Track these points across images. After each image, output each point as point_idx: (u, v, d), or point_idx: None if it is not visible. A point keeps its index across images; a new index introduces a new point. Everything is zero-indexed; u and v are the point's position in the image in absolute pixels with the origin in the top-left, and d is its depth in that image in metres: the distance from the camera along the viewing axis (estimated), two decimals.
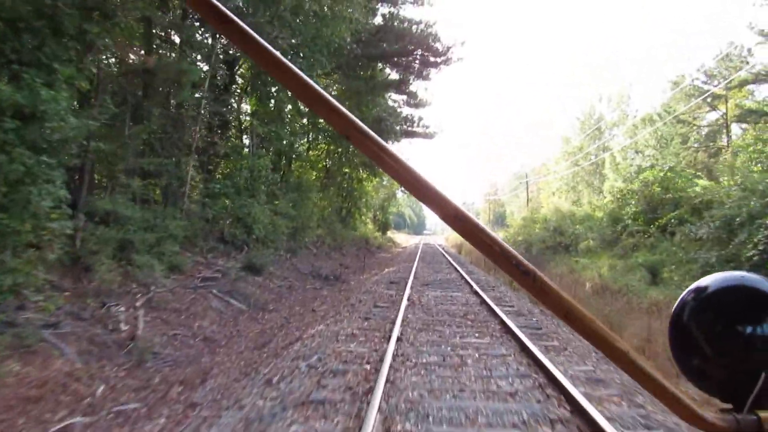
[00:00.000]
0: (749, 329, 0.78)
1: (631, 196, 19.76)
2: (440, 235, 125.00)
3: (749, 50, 37.50)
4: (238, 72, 20.72)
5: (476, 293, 14.10)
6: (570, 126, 64.09)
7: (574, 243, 22.78)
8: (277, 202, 20.65)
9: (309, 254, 23.75)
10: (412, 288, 14.84)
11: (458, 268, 20.76)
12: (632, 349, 0.72)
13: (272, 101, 21.02)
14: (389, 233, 66.92)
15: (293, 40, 18.23)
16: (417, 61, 28.07)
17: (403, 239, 73.14)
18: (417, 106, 38.71)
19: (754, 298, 0.80)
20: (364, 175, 42.85)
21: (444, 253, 36.91)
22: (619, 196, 22.14)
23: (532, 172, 70.20)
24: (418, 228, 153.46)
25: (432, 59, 27.88)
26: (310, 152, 32.96)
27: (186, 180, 14.42)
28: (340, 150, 35.18)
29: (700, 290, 0.84)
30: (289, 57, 19.15)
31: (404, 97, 38.49)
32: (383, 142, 0.76)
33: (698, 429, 0.71)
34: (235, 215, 17.23)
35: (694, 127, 38.93)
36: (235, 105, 21.14)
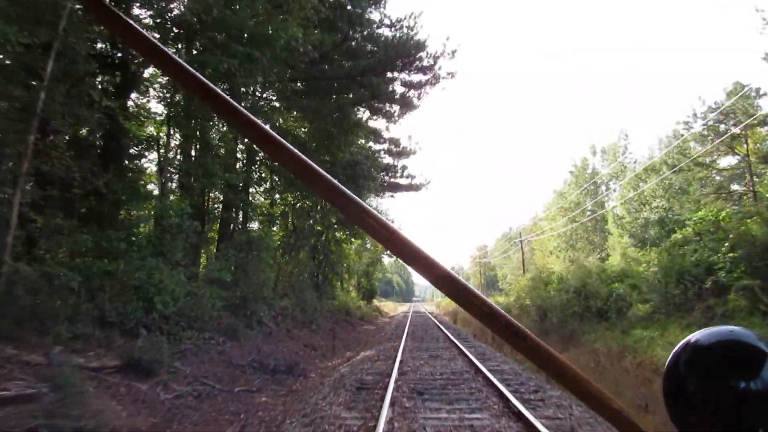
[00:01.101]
0: (742, 384, 0.77)
1: (722, 239, 13.70)
2: (430, 302, 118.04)
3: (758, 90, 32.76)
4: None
5: (517, 414, 6.83)
6: (563, 180, 59.18)
7: (614, 308, 16.83)
8: (205, 264, 14.61)
9: (260, 334, 17.51)
10: (393, 406, 7.72)
11: (463, 349, 14.63)
12: (627, 409, 0.70)
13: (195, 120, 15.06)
14: (375, 301, 60.45)
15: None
16: (396, 82, 22.69)
17: (390, 307, 66.52)
18: (400, 155, 33.32)
19: (745, 353, 0.80)
20: (343, 236, 36.97)
21: (438, 323, 30.62)
22: (680, 242, 16.19)
23: (523, 231, 64.62)
24: (406, 295, 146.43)
25: (415, 77, 22.45)
26: (273, 207, 27.12)
27: (11, 224, 8.37)
28: (309, 204, 29.39)
29: (691, 346, 0.83)
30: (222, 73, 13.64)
31: (385, 146, 33.15)
32: (366, 205, 0.71)
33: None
34: (125, 283, 11.14)
35: (713, 170, 33.69)
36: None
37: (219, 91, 0.76)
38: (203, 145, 16.99)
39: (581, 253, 52.57)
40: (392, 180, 33.39)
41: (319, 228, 31.52)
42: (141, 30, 0.75)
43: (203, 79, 0.75)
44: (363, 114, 26.46)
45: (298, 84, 21.84)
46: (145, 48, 0.75)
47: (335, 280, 36.79)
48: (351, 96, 21.42)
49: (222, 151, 18.76)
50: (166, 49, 0.74)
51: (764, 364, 0.79)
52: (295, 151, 0.74)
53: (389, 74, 21.26)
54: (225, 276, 15.47)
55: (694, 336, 0.85)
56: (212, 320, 14.43)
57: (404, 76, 22.04)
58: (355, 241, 46.69)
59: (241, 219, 22.43)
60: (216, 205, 21.15)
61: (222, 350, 13.18)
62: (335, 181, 0.72)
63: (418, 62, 20.96)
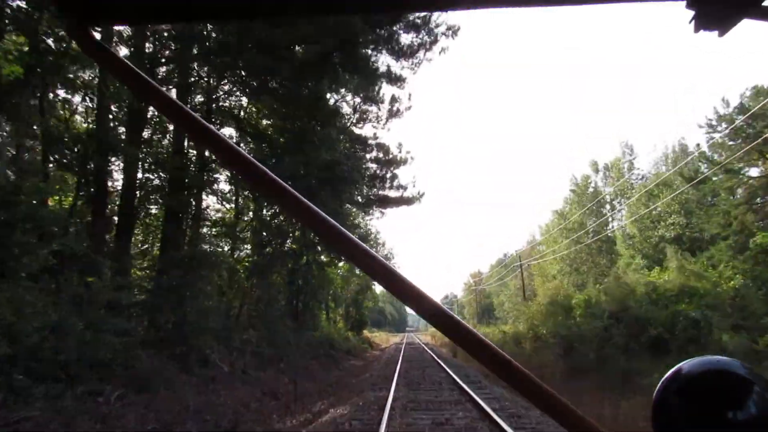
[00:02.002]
0: (729, 414, 0.78)
1: None
2: (424, 332, 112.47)
3: None
4: None
5: None
6: (563, 200, 54.85)
7: (683, 337, 12.10)
8: (91, 279, 9.91)
9: (198, 381, 12.69)
10: None
11: (481, 403, 9.78)
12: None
13: None
14: (366, 332, 55.34)
15: None
16: (383, 52, 18.21)
17: (382, 339, 61.34)
18: (389, 164, 28.82)
19: (732, 382, 0.81)
20: (327, 259, 32.21)
21: (435, 357, 25.70)
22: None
23: (521, 255, 59.96)
24: (399, 325, 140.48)
25: (407, 38, 17.98)
26: (238, 220, 22.39)
27: None
28: (284, 221, 24.70)
29: (680, 375, 0.84)
30: None
31: (372, 153, 28.65)
32: (356, 239, 0.71)
33: None
34: None
35: (744, 178, 29.32)
36: None
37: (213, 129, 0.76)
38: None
39: (586, 277, 48.00)
40: (381, 192, 28.85)
41: (295, 247, 26.78)
42: (133, 67, 0.75)
43: (194, 115, 0.76)
44: (344, 99, 22.01)
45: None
46: (137, 86, 0.76)
47: (317, 308, 31.86)
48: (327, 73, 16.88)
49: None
50: (159, 87, 0.75)
51: (751, 393, 0.79)
52: (274, 176, 0.72)
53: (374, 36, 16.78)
54: (124, 299, 10.73)
55: (683, 365, 0.85)
56: (111, 364, 9.70)
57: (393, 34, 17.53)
58: (343, 267, 41.97)
59: (190, 231, 17.71)
60: (150, 207, 16.51)
61: (107, 412, 8.34)
62: (325, 215, 0.70)
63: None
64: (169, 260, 14.76)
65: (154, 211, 16.62)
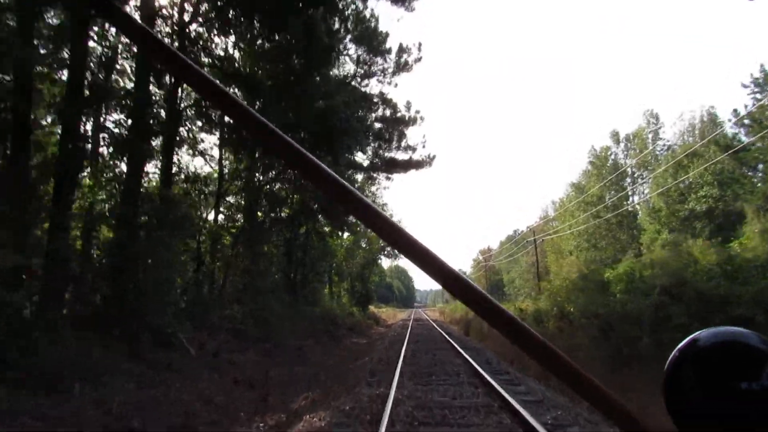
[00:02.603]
0: (744, 385, 0.75)
1: None
2: (431, 308, 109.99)
3: None
4: None
5: None
6: (581, 172, 51.47)
7: None
8: None
9: (149, 369, 9.86)
10: None
11: (521, 411, 6.85)
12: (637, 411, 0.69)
13: None
14: (372, 307, 52.72)
15: None
16: None
17: (389, 314, 58.66)
18: (397, 123, 25.66)
19: (746, 353, 0.78)
20: (328, 229, 29.32)
21: (446, 336, 22.83)
22: None
23: (533, 231, 56.75)
24: (407, 301, 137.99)
25: None
26: (225, 182, 19.39)
27: None
28: (276, 185, 21.76)
29: (694, 345, 0.82)
30: None
31: (380, 112, 25.46)
32: (369, 201, 0.68)
33: None
34: None
35: None
36: None
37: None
38: None
39: (605, 253, 44.88)
40: (387, 155, 25.76)
41: (287, 212, 23.86)
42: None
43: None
44: (346, 52, 18.93)
45: None
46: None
47: (317, 282, 29.03)
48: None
49: None
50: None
51: (766, 364, 0.76)
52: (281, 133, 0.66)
53: None
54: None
55: (697, 336, 0.82)
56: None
57: None
58: (347, 239, 39.13)
59: (157, 188, 14.75)
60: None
61: None
62: (335, 175, 0.65)
63: None
64: (123, 220, 11.87)
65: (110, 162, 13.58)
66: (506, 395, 7.39)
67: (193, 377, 10.55)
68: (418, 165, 26.07)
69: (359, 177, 29.26)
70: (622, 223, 46.06)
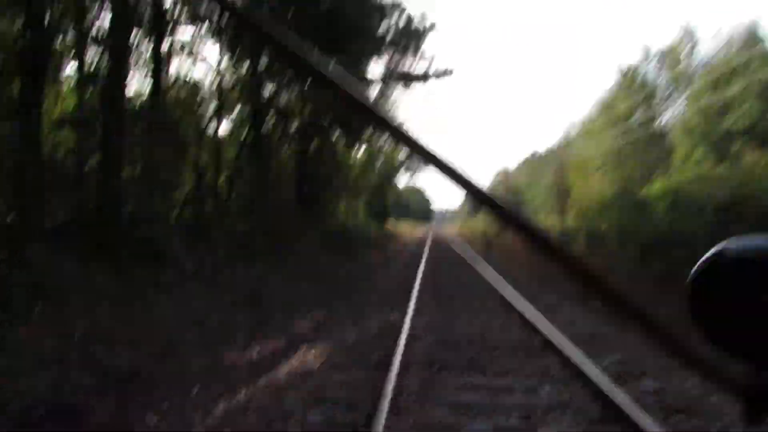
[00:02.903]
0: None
1: None
2: (450, 224, 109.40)
3: None
4: None
5: None
6: (609, 89, 48.46)
7: None
8: None
9: (128, 287, 8.69)
10: None
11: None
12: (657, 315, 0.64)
13: None
14: (389, 223, 51.84)
15: None
16: None
17: (406, 230, 57.85)
18: (412, 36, 23.26)
19: None
20: (343, 141, 27.69)
21: (464, 252, 21.69)
22: None
23: (556, 149, 54.22)
24: (424, 217, 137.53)
25: None
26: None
27: None
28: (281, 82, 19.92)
29: (720, 254, 0.76)
30: None
31: (394, 19, 23.02)
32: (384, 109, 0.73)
33: (720, 389, 0.68)
34: None
35: None
36: None
37: None
38: None
39: (631, 173, 42.85)
40: (400, 66, 23.64)
41: (297, 125, 22.25)
42: None
43: None
44: None
45: None
46: None
47: (332, 196, 27.74)
48: None
49: None
50: None
51: None
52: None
53: None
54: None
55: (724, 243, 0.76)
56: None
57: None
58: (363, 154, 37.52)
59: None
60: None
61: None
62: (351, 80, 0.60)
63: None
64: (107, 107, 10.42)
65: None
66: (547, 330, 6.07)
67: (185, 297, 9.43)
68: (436, 74, 23.93)
69: (376, 88, 27.31)
70: (650, 142, 43.72)
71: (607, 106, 47.45)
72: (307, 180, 25.68)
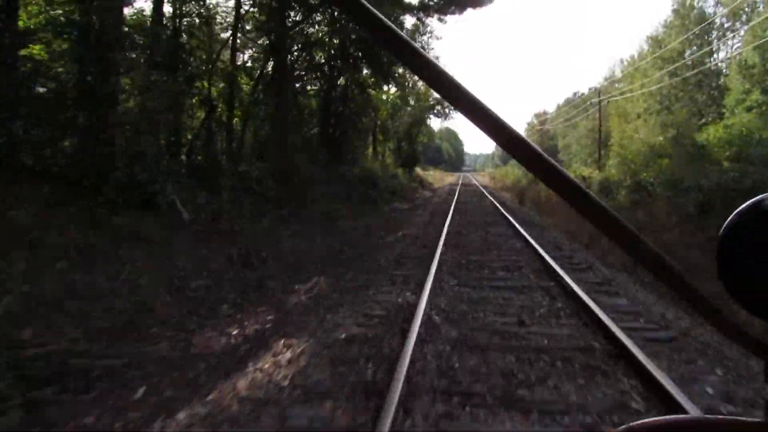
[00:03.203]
0: None
1: None
2: (481, 172, 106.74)
3: None
4: None
5: None
6: (660, 24, 44.71)
7: None
8: None
9: (105, 240, 7.35)
10: None
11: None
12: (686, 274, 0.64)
13: None
14: (419, 170, 49.97)
15: None
16: None
17: (436, 178, 55.98)
18: None
19: None
20: (370, 80, 25.74)
21: (497, 204, 19.97)
22: None
23: (599, 91, 51.00)
24: (456, 164, 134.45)
25: None
26: None
27: None
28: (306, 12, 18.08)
29: (752, 209, 0.72)
30: None
31: None
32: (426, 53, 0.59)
33: (744, 348, 0.67)
34: None
35: None
36: None
37: None
38: None
39: (678, 117, 39.80)
40: None
41: (323, 58, 20.44)
42: None
43: None
44: None
45: None
46: None
47: (357, 139, 26.03)
48: None
49: None
50: None
51: None
52: None
53: None
54: None
55: (756, 200, 0.73)
56: None
57: None
58: (393, 94, 35.41)
59: None
60: None
61: None
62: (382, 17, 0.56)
63: None
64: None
65: None
66: (614, 326, 4.47)
67: (172, 252, 8.07)
68: (476, 2, 21.60)
69: (408, 22, 25.12)
70: (702, 83, 40.44)
71: (657, 43, 43.85)
72: (332, 120, 24.02)
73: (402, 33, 0.56)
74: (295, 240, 11.30)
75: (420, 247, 9.69)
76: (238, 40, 15.67)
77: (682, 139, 16.30)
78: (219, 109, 14.62)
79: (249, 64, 16.45)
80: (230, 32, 15.54)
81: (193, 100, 13.74)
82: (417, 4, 22.80)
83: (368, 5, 0.56)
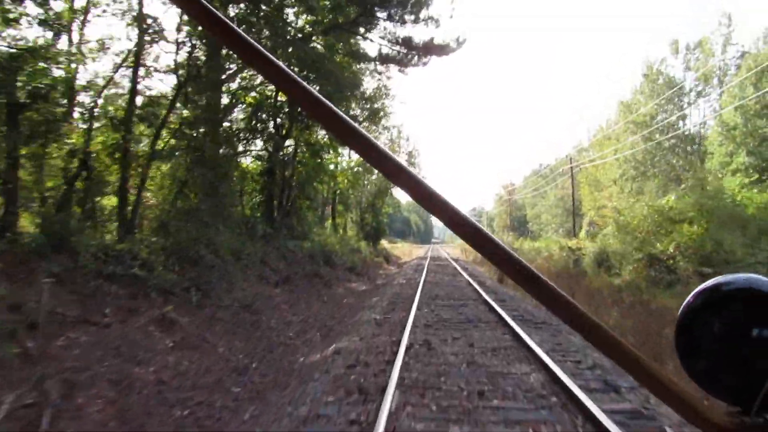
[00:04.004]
0: (757, 331, 0.72)
1: None
2: (450, 244, 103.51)
3: None
4: None
5: None
6: (632, 90, 43.06)
7: None
8: None
9: None
10: None
11: None
12: (642, 354, 0.67)
13: None
14: (385, 242, 46.21)
15: None
16: None
17: (404, 251, 52.30)
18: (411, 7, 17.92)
19: (760, 299, 0.74)
20: (321, 141, 22.24)
21: (474, 284, 16.13)
22: None
23: (570, 158, 48.77)
24: (425, 236, 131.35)
25: None
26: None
27: None
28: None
29: (707, 292, 0.77)
30: None
31: None
32: (371, 137, 0.61)
33: (704, 431, 0.67)
34: None
35: None
36: None
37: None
38: None
39: (659, 181, 37.26)
40: (399, 30, 18.28)
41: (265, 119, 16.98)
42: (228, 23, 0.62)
43: None
44: None
45: None
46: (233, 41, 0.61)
47: (308, 210, 22.18)
48: None
49: None
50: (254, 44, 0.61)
51: None
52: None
53: None
54: None
55: (710, 283, 0.77)
56: None
57: None
58: (351, 161, 32.07)
59: None
60: None
61: None
62: (327, 102, 0.59)
63: None
64: None
65: None
66: None
67: None
68: (441, 50, 18.54)
69: (367, 70, 22.10)
70: (677, 147, 38.30)
71: (627, 107, 41.75)
72: (278, 188, 20.27)
73: (317, 93, 0.55)
74: (175, 357, 7.18)
75: (374, 357, 5.67)
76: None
77: (717, 200, 12.83)
78: (97, 166, 10.65)
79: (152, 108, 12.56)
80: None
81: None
82: (375, 56, 19.76)
83: (286, 70, 0.53)
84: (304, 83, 0.56)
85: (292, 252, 18.34)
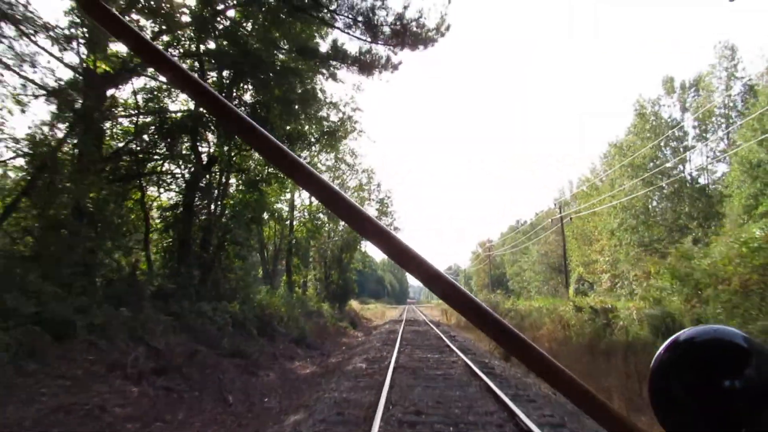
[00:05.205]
0: (727, 383, 0.73)
1: None
2: (426, 304, 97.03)
3: None
4: None
5: None
6: (625, 130, 38.79)
7: None
8: None
9: None
10: None
11: None
12: (611, 405, 0.67)
13: None
14: (354, 303, 40.25)
15: None
16: None
17: (376, 313, 46.22)
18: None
19: (729, 351, 0.76)
20: (259, 171, 16.73)
21: (466, 359, 10.42)
22: None
23: (561, 206, 43.84)
24: (399, 296, 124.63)
25: None
26: None
27: None
28: None
29: (676, 345, 0.79)
30: None
31: None
32: (342, 192, 0.62)
33: None
34: None
35: None
36: None
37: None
38: None
39: (663, 233, 32.47)
40: (372, 17, 13.26)
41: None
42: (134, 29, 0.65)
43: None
44: None
45: None
46: (138, 45, 0.63)
47: (232, 256, 16.20)
48: None
49: None
50: (158, 47, 0.65)
51: (748, 362, 0.75)
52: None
53: None
54: None
55: (680, 335, 0.80)
56: None
57: None
58: (311, 206, 26.58)
59: None
60: None
61: None
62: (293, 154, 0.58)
63: None
64: None
65: None
66: None
67: None
68: (416, 39, 13.52)
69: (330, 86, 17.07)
70: (681, 192, 33.73)
71: (619, 150, 37.20)
72: (196, 230, 14.64)
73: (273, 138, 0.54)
74: None
75: None
76: None
77: None
78: None
79: None
80: None
81: None
82: (328, 50, 14.64)
83: (235, 108, 0.53)
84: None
85: (209, 319, 12.53)
